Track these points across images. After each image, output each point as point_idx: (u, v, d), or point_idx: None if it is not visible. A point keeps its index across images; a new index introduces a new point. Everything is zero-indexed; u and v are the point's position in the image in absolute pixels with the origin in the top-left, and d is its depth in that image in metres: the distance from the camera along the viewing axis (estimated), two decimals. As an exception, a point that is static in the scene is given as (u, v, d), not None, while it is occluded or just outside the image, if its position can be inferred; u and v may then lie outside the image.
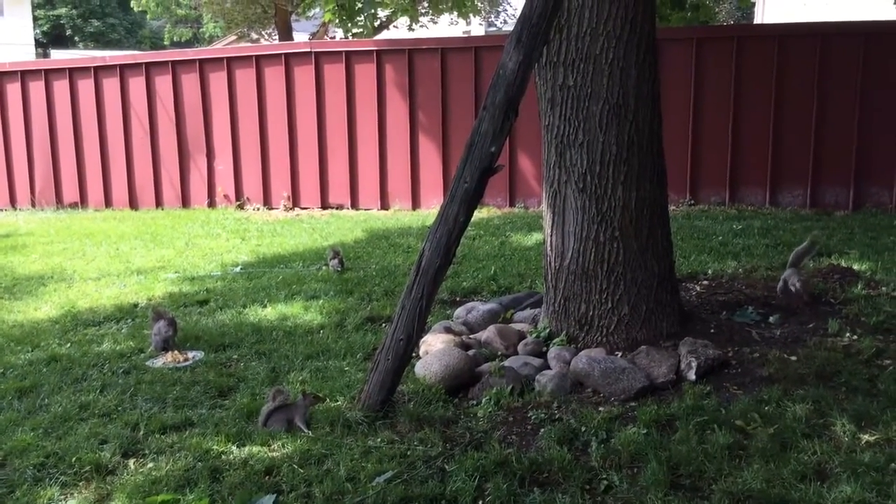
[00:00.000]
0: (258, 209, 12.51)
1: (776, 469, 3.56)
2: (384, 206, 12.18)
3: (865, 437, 3.82)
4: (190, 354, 5.52)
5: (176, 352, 5.51)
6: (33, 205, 13.42)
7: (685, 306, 5.60)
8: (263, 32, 22.79)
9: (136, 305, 6.95)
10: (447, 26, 23.20)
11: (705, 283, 6.52)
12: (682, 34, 10.95)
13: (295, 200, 12.51)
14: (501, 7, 26.19)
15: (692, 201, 10.92)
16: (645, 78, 4.89)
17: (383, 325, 5.93)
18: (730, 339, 5.06)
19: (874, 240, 8.14)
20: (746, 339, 5.08)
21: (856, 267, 6.75)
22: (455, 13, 17.28)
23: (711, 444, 3.80)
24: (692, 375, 4.56)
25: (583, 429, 4.05)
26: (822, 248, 7.64)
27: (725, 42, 10.79)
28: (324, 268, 7.90)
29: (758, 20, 21.31)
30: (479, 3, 20.76)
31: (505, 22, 27.67)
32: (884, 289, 6.07)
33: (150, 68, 12.82)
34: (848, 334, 5.08)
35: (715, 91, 10.72)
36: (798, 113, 10.47)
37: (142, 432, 4.29)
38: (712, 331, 5.21)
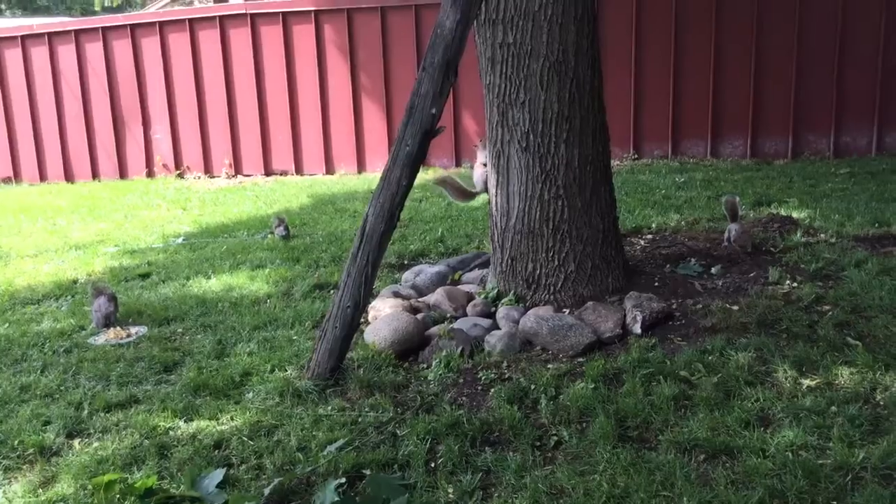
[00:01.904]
0: (199, 178, 12.25)
1: (721, 417, 3.64)
2: (329, 170, 12.03)
3: (806, 382, 3.92)
4: (133, 330, 5.41)
5: (118, 328, 5.40)
6: (-37, 181, 12.96)
7: (630, 261, 5.66)
8: (197, -5, 22.13)
9: (75, 282, 6.77)
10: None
11: (649, 237, 6.59)
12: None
13: (237, 168, 12.28)
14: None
15: (636, 155, 11.01)
16: (584, 34, 4.86)
17: (331, 291, 5.88)
18: (674, 292, 5.13)
19: (812, 188, 8.31)
20: (690, 290, 5.16)
21: (795, 215, 6.88)
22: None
23: (657, 395, 3.86)
24: (638, 329, 4.62)
25: (532, 387, 4.08)
26: (761, 197, 7.79)
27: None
28: (269, 236, 7.79)
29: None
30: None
31: (445, -21, 27.30)
32: (822, 236, 6.21)
33: (79, 35, 12.38)
34: (788, 282, 5.19)
35: (655, 45, 10.75)
36: (736, 64, 10.56)
37: (86, 411, 4.20)
38: (657, 284, 5.27)
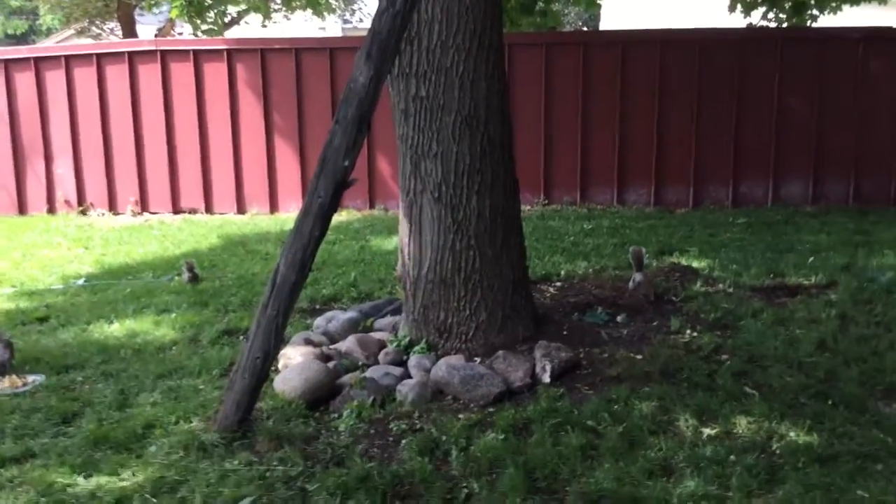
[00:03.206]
0: (103, 215, 11.88)
1: (626, 467, 3.74)
2: (241, 209, 11.86)
3: (707, 431, 4.07)
4: (29, 378, 5.18)
5: (14, 376, 5.16)
6: None
7: (540, 308, 5.78)
8: (105, 27, 21.65)
9: (-33, 326, 6.45)
10: (303, 22, 22.82)
11: (558, 284, 6.75)
12: (531, 39, 11.27)
13: (144, 205, 11.97)
14: (356, 5, 26.02)
15: (546, 201, 11.27)
16: (494, 90, 5.00)
17: (241, 337, 5.78)
18: (581, 341, 5.26)
19: (712, 237, 8.69)
20: (596, 339, 5.30)
21: (695, 264, 7.17)
22: (309, 11, 17.01)
23: (565, 445, 3.94)
24: (547, 378, 4.72)
25: (443, 438, 4.10)
26: (664, 246, 8.09)
27: (573, 47, 11.18)
28: (176, 278, 7.61)
29: (603, 26, 22.24)
30: (333, 2, 20.52)
31: (360, 20, 27.51)
32: (721, 285, 6.49)
33: (-22, 66, 11.91)
34: (689, 331, 5.40)
35: (565, 94, 11.10)
36: (641, 115, 11.02)
37: (-24, 468, 3.99)
38: (565, 332, 5.40)
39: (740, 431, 4.06)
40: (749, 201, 11.01)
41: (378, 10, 4.04)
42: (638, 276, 6.10)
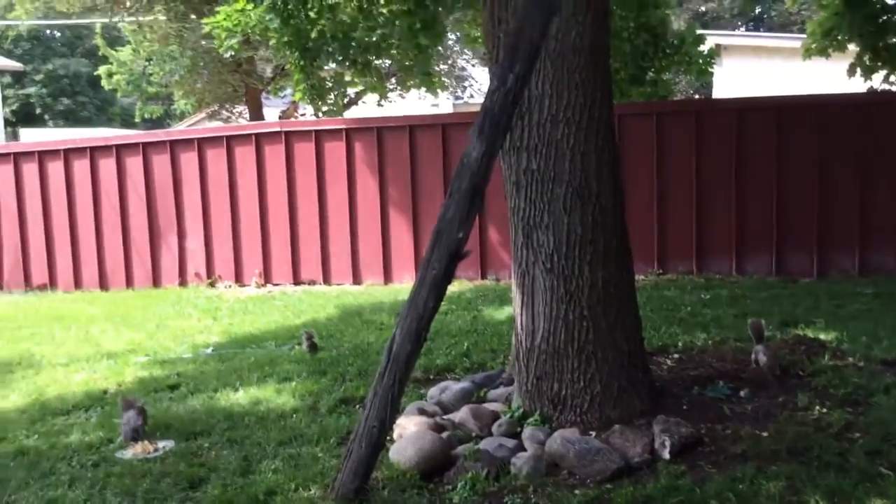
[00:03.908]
0: (230, 286, 12.47)
1: (752, 550, 3.57)
2: (356, 280, 12.21)
3: (838, 514, 3.85)
4: (160, 444, 5.44)
5: (146, 442, 5.42)
6: (1, 288, 13.27)
7: (657, 382, 5.65)
8: (234, 110, 23.04)
9: (105, 392, 6.85)
10: (416, 100, 23.62)
11: (676, 356, 6.58)
12: (642, 109, 11.28)
13: (267, 277, 12.50)
14: (468, 82, 26.75)
15: (660, 271, 11.08)
16: (604, 161, 5.04)
17: (357, 406, 5.89)
18: (702, 416, 5.09)
19: (839, 308, 8.30)
20: (719, 415, 5.12)
21: (822, 337, 6.86)
22: (423, 89, 17.64)
23: (687, 525, 3.80)
24: (666, 454, 4.58)
25: (559, 513, 4.03)
26: (787, 317, 7.78)
27: (685, 116, 11.12)
28: (296, 347, 7.86)
29: (717, 93, 21.99)
30: (445, 80, 21.19)
31: (472, 95, 28.22)
32: (850, 359, 6.17)
33: (120, 150, 12.90)
34: (817, 407, 5.14)
35: (677, 163, 11.00)
36: (760, 182, 10.76)
37: (111, 530, 4.20)
38: (685, 407, 5.24)
39: (877, 515, 3.82)
40: (877, 269, 10.46)
41: (490, 89, 4.18)
42: (760, 349, 5.88)
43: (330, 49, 11.55)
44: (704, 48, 12.28)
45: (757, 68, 19.33)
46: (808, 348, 6.34)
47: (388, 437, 4.80)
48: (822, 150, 10.57)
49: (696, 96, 26.21)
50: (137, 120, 27.75)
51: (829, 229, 10.63)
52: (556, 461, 4.64)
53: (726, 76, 20.44)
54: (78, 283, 13.15)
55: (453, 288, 10.52)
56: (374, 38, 11.71)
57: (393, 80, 19.65)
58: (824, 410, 5.07)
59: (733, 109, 11.08)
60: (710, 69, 12.10)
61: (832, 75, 12.90)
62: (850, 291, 9.23)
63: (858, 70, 11.39)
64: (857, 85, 11.68)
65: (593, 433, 4.92)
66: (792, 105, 10.93)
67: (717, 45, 18.14)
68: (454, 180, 4.25)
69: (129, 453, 5.31)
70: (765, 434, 4.74)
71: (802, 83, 15.13)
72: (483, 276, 11.72)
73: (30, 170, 13.18)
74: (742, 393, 5.45)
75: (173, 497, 4.59)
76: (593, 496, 4.21)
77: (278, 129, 12.43)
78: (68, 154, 13.07)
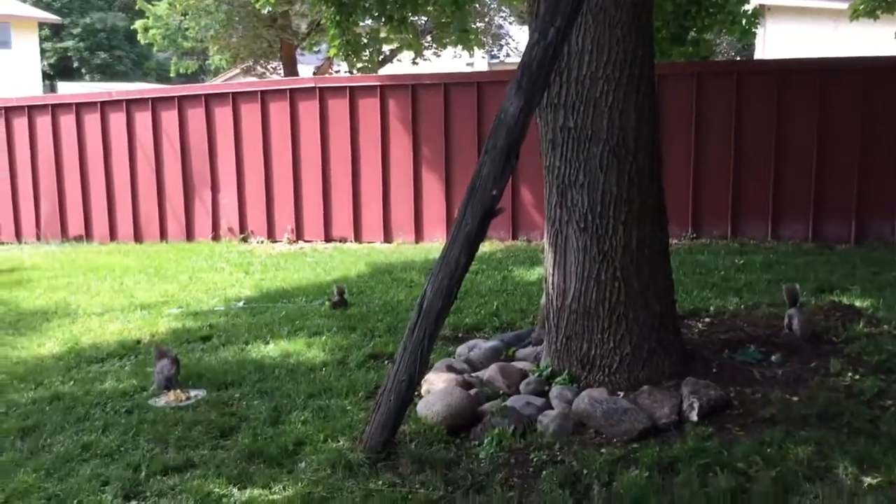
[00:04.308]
0: (262, 242, 12.56)
1: (779, 513, 3.55)
2: (387, 239, 12.23)
3: (868, 480, 3.81)
4: (192, 393, 5.53)
5: (178, 391, 5.52)
6: (38, 238, 13.50)
7: (687, 345, 5.60)
8: (269, 66, 23.02)
9: (139, 342, 6.96)
10: (451, 59, 23.41)
11: (707, 320, 6.52)
12: (682, 69, 11.05)
13: (298, 234, 12.57)
14: (504, 40, 26.40)
15: (694, 235, 10.95)
16: (644, 119, 4.95)
17: (386, 362, 5.93)
18: (732, 379, 5.05)
19: (876, 275, 8.15)
20: (748, 379, 5.08)
21: (857, 304, 6.75)
22: (459, 47, 17.46)
23: (713, 487, 3.80)
24: (694, 416, 4.56)
25: (585, 472, 4.04)
26: (823, 284, 7.67)
27: (726, 77, 10.89)
28: (327, 303, 7.92)
29: (758, 55, 21.49)
30: (482, 38, 20.95)
31: (508, 55, 27.89)
32: (885, 327, 6.07)
33: (156, 103, 12.96)
34: (850, 374, 5.07)
35: (716, 125, 10.80)
36: (799, 146, 10.54)
37: (143, 474, 4.29)
38: (714, 370, 5.20)
39: (906, 482, 3.77)
40: (919, 238, 10.25)
41: (529, 43, 4.11)
42: (794, 313, 5.80)
43: (366, 4, 11.44)
44: (748, 7, 11.96)
45: (800, 31, 18.87)
46: (843, 315, 6.25)
47: (416, 393, 4.84)
48: (865, 114, 10.31)
49: (738, 59, 25.63)
50: (173, 75, 27.85)
51: (869, 196, 10.40)
52: (582, 420, 4.65)
53: (768, 40, 19.98)
54: (113, 235, 13.32)
55: (484, 248, 10.51)
56: (411, -6, 11.56)
57: (429, 37, 19.50)
58: (857, 377, 5.00)
59: (775, 71, 10.84)
60: (753, 29, 11.78)
61: (878, 40, 12.55)
62: (888, 259, 9.06)
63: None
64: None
65: (621, 394, 4.91)
66: (835, 68, 10.65)
67: (761, 6, 17.67)
68: (490, 137, 4.21)
69: (161, 401, 5.41)
70: (795, 399, 4.69)
71: (847, 48, 14.73)
72: (514, 237, 11.68)
73: (67, 122, 13.30)
74: (773, 358, 5.39)
75: (204, 444, 4.67)
76: (619, 455, 4.21)
77: (312, 84, 12.39)
78: (104, 107, 13.16)
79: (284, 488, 4.05)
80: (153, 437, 4.78)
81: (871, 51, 13.16)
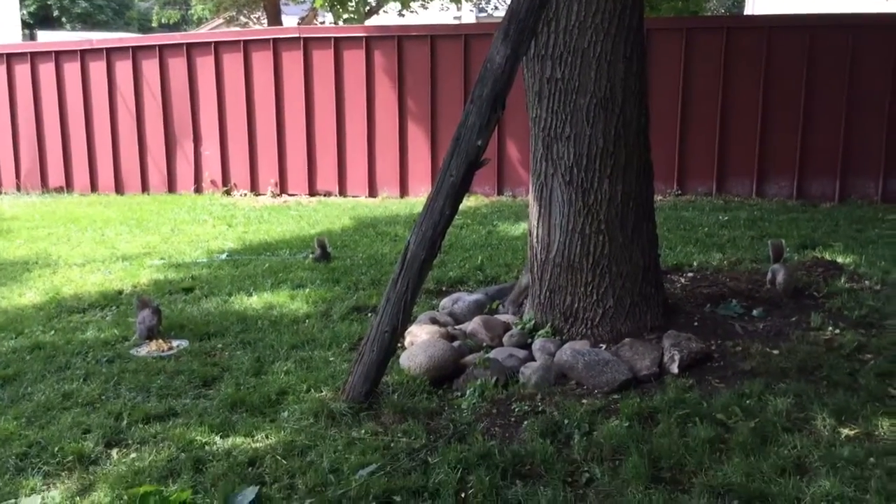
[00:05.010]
0: (245, 195, 12.46)
1: (756, 463, 3.59)
2: (372, 193, 12.16)
3: (845, 432, 3.86)
4: (174, 343, 5.52)
5: (160, 340, 5.50)
6: (18, 189, 13.32)
7: (670, 299, 5.63)
8: (252, 16, 22.62)
9: (120, 292, 6.92)
10: (438, 12, 23.09)
11: (690, 275, 6.54)
12: (671, 24, 10.96)
13: (282, 187, 12.47)
14: (492, -7, 26.09)
15: (679, 191, 10.96)
16: (632, 71, 4.89)
17: (369, 314, 5.93)
18: (713, 333, 5.08)
19: (859, 232, 8.20)
20: (730, 332, 5.11)
21: (840, 260, 6.80)
22: (446, -1, 17.22)
23: (692, 437, 3.83)
24: (675, 368, 4.59)
25: (565, 421, 4.07)
26: (806, 240, 7.71)
27: (714, 32, 10.79)
28: (310, 256, 7.88)
29: (748, 11, 21.32)
30: (469, -10, 20.65)
31: (496, 8, 27.53)
32: (867, 282, 6.11)
33: (137, 52, 12.72)
34: (830, 328, 5.12)
35: (703, 81, 10.74)
36: (786, 104, 10.52)
37: (125, 422, 4.28)
38: (696, 324, 5.23)
39: (882, 434, 3.82)
40: (902, 196, 10.30)
41: (516, -10, 4.03)
42: (776, 267, 5.83)
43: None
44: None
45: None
46: (825, 270, 6.29)
47: (399, 345, 4.85)
48: (852, 72, 10.27)
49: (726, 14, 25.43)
50: (155, 25, 27.37)
51: (853, 154, 10.42)
52: (564, 372, 4.67)
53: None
54: (94, 187, 13.16)
55: (469, 203, 10.49)
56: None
57: (415, -12, 19.20)
58: (837, 331, 5.05)
59: (764, 27, 10.75)
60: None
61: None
62: (871, 217, 9.12)
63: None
64: (893, 4, 11.28)
65: (603, 346, 4.94)
66: (824, 24, 10.58)
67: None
68: (476, 86, 4.15)
69: (143, 351, 5.39)
70: (775, 352, 4.73)
71: (835, 5, 14.62)
72: (499, 192, 11.65)
73: (46, 71, 13.03)
74: (755, 312, 5.42)
75: (187, 393, 4.67)
76: (600, 406, 4.24)
77: (297, 35, 12.18)
78: (84, 55, 12.90)
79: (267, 437, 4.06)
80: (135, 386, 4.77)
81: (859, 7, 13.07)
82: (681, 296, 5.87)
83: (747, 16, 18.39)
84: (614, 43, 4.80)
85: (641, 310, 5.12)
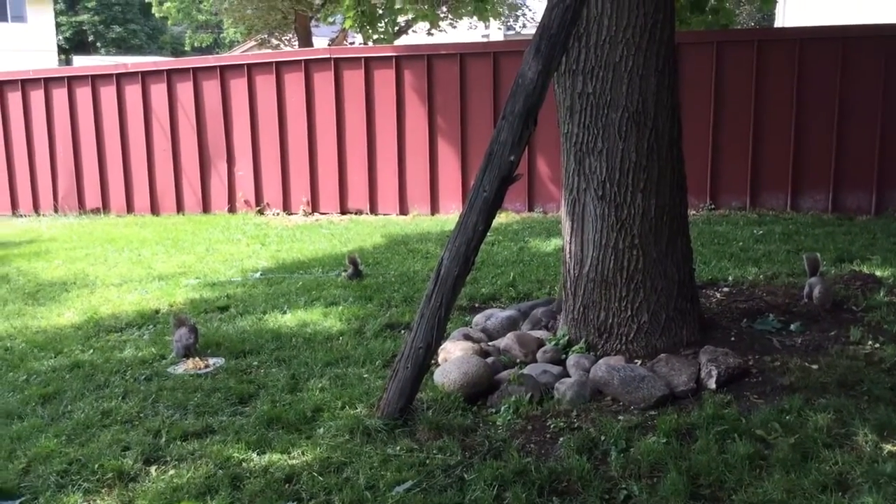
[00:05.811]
0: (278, 214, 12.58)
1: (797, 479, 3.53)
2: (403, 211, 12.21)
3: (888, 447, 3.78)
4: (211, 361, 5.57)
5: (197, 358, 5.56)
6: (56, 210, 13.59)
7: (705, 314, 5.57)
8: (283, 38, 22.92)
9: (157, 311, 7.01)
10: (466, 30, 23.22)
11: (726, 289, 6.47)
12: (702, 38, 10.89)
13: (314, 206, 12.58)
14: (521, 11, 26.15)
15: (712, 206, 10.87)
16: (664, 85, 4.88)
17: (402, 331, 5.94)
18: (750, 348, 5.02)
19: (897, 245, 8.07)
20: (767, 347, 5.05)
21: (878, 273, 6.68)
22: (474, 17, 17.31)
23: (732, 453, 3.78)
24: (712, 384, 4.54)
25: (602, 438, 4.04)
26: (843, 254, 7.60)
27: (746, 46, 10.74)
28: (342, 274, 7.92)
29: (778, 24, 21.17)
30: (499, 8, 20.75)
31: (524, 26, 27.62)
32: (907, 296, 6.01)
33: (171, 75, 12.94)
34: (870, 342, 5.04)
35: (735, 95, 10.67)
36: (820, 117, 10.41)
37: (163, 439, 4.32)
38: (733, 339, 5.17)
39: (928, 450, 3.75)
40: (941, 209, 10.12)
41: (548, 6, 4.05)
42: (813, 280, 5.75)
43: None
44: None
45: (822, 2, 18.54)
46: (863, 284, 6.19)
47: (433, 361, 4.84)
48: (887, 83, 10.15)
49: (757, 27, 25.27)
50: (187, 48, 27.84)
51: (889, 166, 10.27)
52: (600, 388, 4.64)
53: (788, 8, 19.65)
54: (130, 208, 13.39)
55: (500, 219, 10.49)
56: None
57: (444, 7, 19.33)
58: (877, 345, 4.97)
59: (796, 39, 10.66)
60: (773, -3, 11.58)
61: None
62: (910, 230, 8.97)
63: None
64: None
65: (638, 362, 4.89)
66: (857, 35, 10.47)
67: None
68: (508, 101, 4.16)
69: (180, 369, 5.45)
70: (814, 367, 4.66)
71: (868, 16, 14.47)
72: (530, 209, 11.64)
73: (83, 94, 13.32)
74: (792, 326, 5.35)
75: (224, 411, 4.71)
76: (637, 422, 4.20)
77: (328, 55, 12.33)
78: (120, 79, 13.16)
79: (303, 453, 4.07)
80: (172, 404, 4.81)
81: (892, 18, 12.93)
82: (717, 311, 5.81)
83: (778, 28, 18.26)
84: (646, 57, 4.79)
85: (677, 325, 5.08)
